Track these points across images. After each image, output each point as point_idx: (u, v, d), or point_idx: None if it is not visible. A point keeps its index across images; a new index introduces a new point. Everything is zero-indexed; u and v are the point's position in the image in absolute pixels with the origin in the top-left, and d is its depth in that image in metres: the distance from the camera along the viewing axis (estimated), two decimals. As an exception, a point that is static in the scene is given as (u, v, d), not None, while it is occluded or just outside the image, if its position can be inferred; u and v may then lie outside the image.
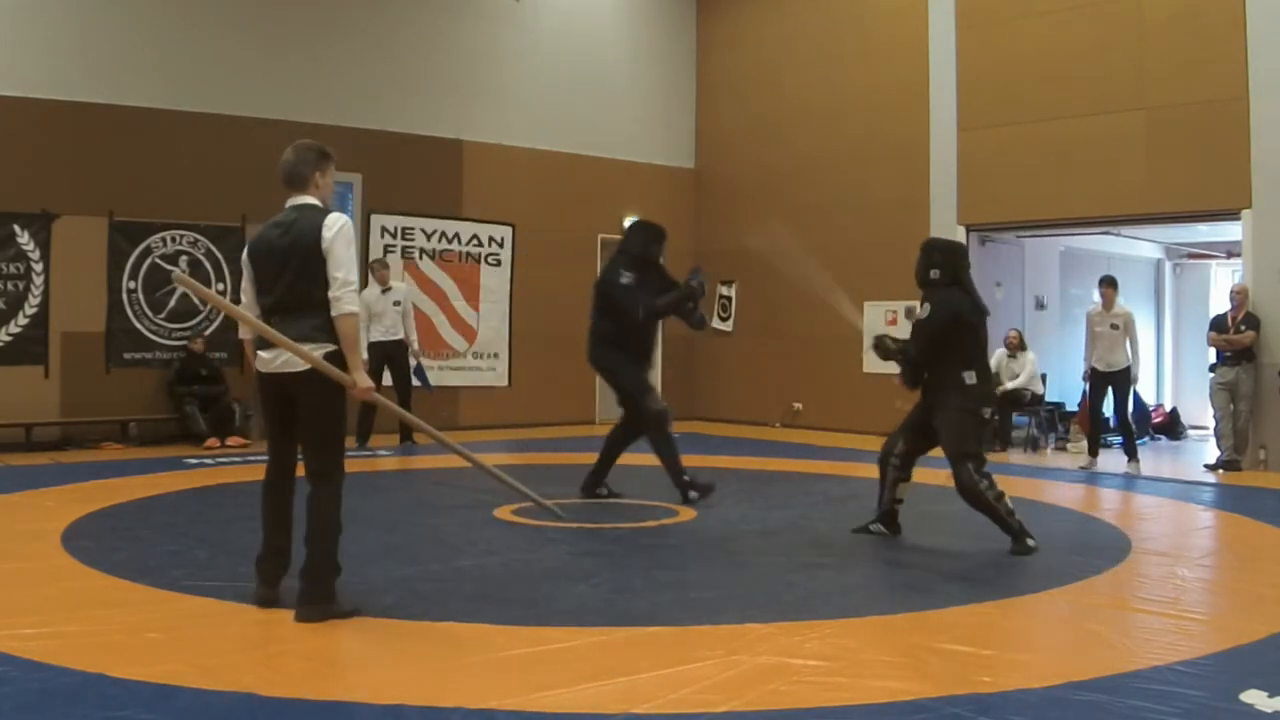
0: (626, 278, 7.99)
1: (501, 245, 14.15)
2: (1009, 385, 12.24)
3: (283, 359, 4.61)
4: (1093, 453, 10.81)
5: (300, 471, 4.88)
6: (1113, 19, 11.79)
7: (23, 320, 11.05)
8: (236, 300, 5.00)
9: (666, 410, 8.00)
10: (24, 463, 9.81)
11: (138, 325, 11.65)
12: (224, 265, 12.14)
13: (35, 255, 11.08)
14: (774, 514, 7.69)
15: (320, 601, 4.63)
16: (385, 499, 8.29)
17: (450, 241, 13.77)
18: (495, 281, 14.20)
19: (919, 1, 13.40)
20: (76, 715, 3.46)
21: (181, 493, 8.23)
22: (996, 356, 12.61)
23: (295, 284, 4.60)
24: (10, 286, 10.97)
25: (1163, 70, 11.35)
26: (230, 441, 11.34)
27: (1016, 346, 12.45)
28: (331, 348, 4.60)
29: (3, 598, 4.95)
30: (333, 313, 4.57)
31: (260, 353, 4.72)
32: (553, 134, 14.58)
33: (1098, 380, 10.72)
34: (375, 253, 13.18)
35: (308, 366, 4.56)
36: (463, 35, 13.89)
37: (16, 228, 10.98)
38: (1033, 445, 12.40)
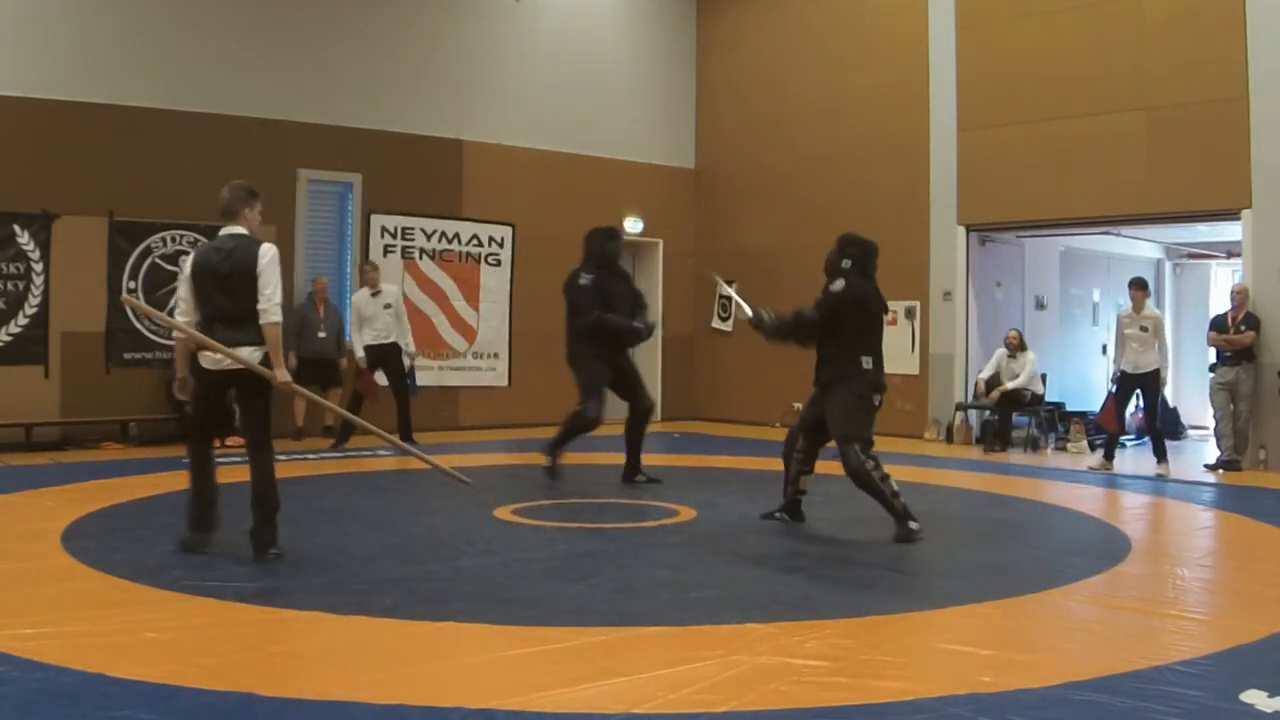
0: (585, 279, 8.69)
1: (501, 245, 14.15)
2: (1009, 385, 12.24)
3: (227, 360, 5.71)
4: (1109, 456, 10.61)
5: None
6: (1113, 19, 11.78)
7: (23, 320, 11.05)
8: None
9: (596, 419, 8.67)
10: (24, 463, 9.81)
11: (138, 325, 11.65)
12: (224, 265, 12.13)
13: (35, 255, 11.08)
14: (774, 514, 7.68)
15: (269, 545, 5.83)
16: (385, 499, 8.29)
17: (450, 241, 13.78)
18: (495, 281, 14.21)
19: (919, 1, 13.40)
20: (76, 715, 3.46)
21: (181, 493, 8.18)
22: (996, 356, 12.61)
23: (236, 300, 5.69)
24: (10, 286, 10.97)
25: (1163, 70, 11.35)
26: (230, 441, 11.30)
27: (1016, 346, 12.44)
28: (264, 349, 5.72)
29: (3, 598, 4.95)
30: (260, 321, 5.68)
31: (205, 353, 5.78)
32: (553, 134, 14.59)
33: (1126, 383, 10.55)
34: (375, 253, 13.19)
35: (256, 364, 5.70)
36: (463, 35, 13.89)
37: (16, 228, 10.98)
38: (1033, 445, 12.40)
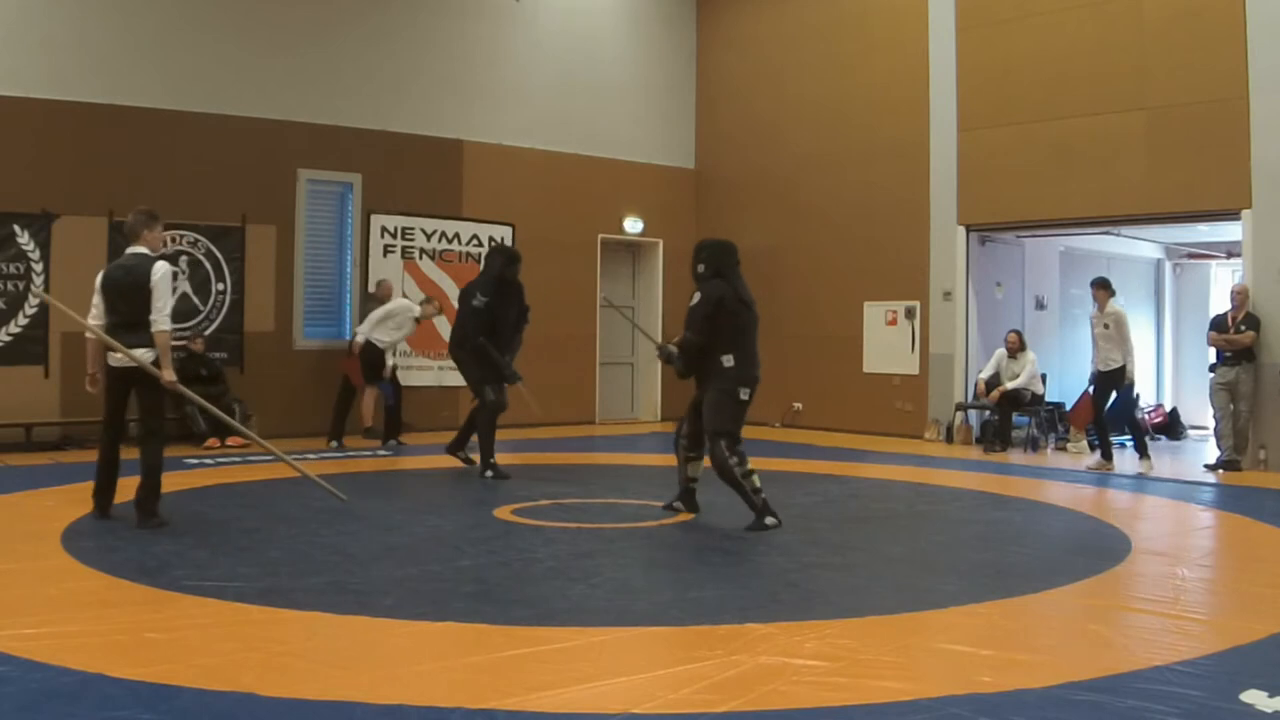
0: (480, 300, 9.25)
1: (501, 243, 14.13)
2: (1009, 385, 12.24)
3: (125, 360, 6.66)
4: (1106, 456, 10.59)
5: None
6: (1113, 19, 11.79)
7: (23, 320, 11.05)
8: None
9: (499, 404, 9.28)
10: (24, 463, 9.81)
11: (138, 325, 11.65)
12: (224, 265, 12.14)
13: (35, 255, 11.09)
14: (774, 514, 7.68)
15: (151, 516, 6.70)
16: (385, 499, 8.29)
17: (450, 241, 13.77)
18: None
19: (919, 1, 13.40)
20: (76, 715, 3.46)
21: (181, 493, 8.23)
22: (996, 356, 12.61)
23: (133, 309, 6.62)
24: (10, 286, 10.97)
25: (1163, 70, 11.36)
26: (230, 442, 11.35)
27: (1016, 347, 12.44)
28: (155, 353, 6.65)
29: (3, 598, 4.95)
30: (152, 329, 6.61)
31: (110, 353, 6.73)
32: (553, 134, 14.59)
33: (1099, 381, 10.69)
34: (375, 253, 13.19)
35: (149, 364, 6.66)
36: (463, 35, 13.89)
37: (16, 228, 10.99)
38: (1033, 445, 12.40)
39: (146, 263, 6.71)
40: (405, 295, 13.29)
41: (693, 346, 7.08)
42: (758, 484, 6.96)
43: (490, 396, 9.24)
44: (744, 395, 7.01)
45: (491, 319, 9.21)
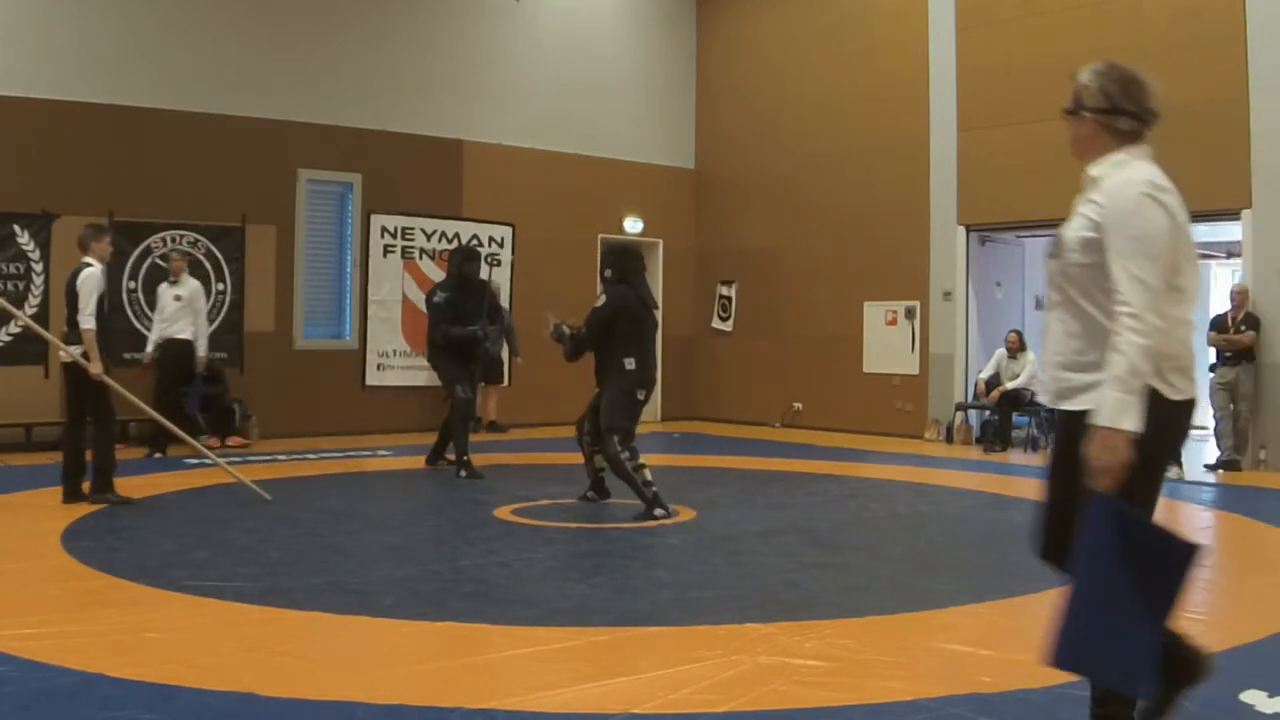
0: (439, 296, 9.53)
1: (501, 245, 14.13)
2: (1009, 385, 12.24)
3: (68, 356, 7.46)
4: None
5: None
6: (1113, 19, 11.78)
7: (23, 321, 11.02)
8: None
9: (468, 400, 9.46)
10: (24, 463, 9.81)
11: (138, 325, 11.63)
12: (224, 265, 12.14)
13: (35, 255, 11.08)
14: (774, 514, 7.69)
15: (105, 492, 7.44)
16: (385, 499, 8.29)
17: (450, 241, 13.75)
18: (495, 281, 14.19)
19: (919, 1, 13.39)
20: (76, 715, 3.46)
21: (181, 493, 8.23)
22: (996, 356, 12.61)
23: (72, 310, 7.43)
24: (10, 286, 10.96)
25: (1163, 70, 11.21)
26: (230, 441, 11.34)
27: (1016, 347, 12.44)
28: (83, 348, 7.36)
29: (3, 598, 4.95)
30: (80, 327, 7.34)
31: (59, 350, 7.66)
32: (553, 134, 14.58)
33: None
34: (375, 253, 13.20)
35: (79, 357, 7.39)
36: (463, 35, 13.88)
37: (16, 228, 10.98)
38: (1033, 445, 12.39)
39: (80, 269, 7.52)
40: (405, 295, 13.33)
41: (583, 341, 7.57)
42: (649, 477, 7.31)
43: (461, 395, 9.37)
44: (640, 395, 7.45)
45: (453, 313, 9.41)
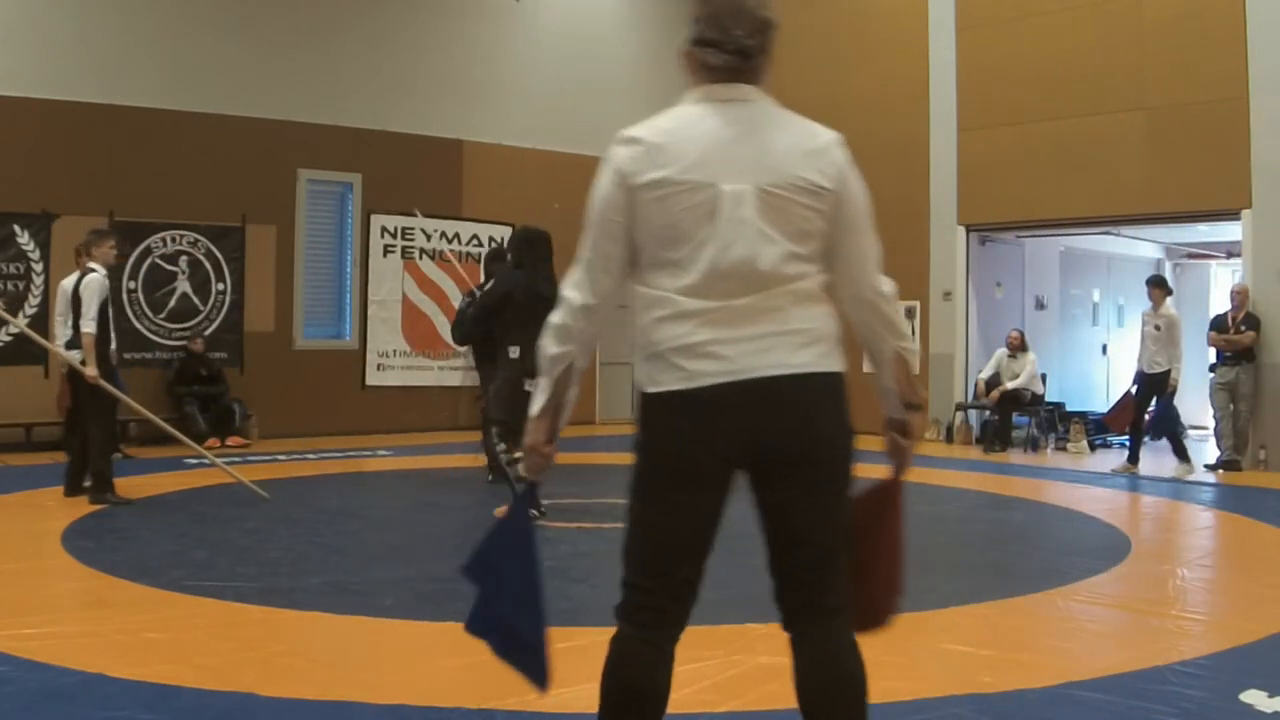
0: (463, 301, 9.63)
1: (502, 245, 14.13)
2: (1009, 385, 12.23)
3: (67, 360, 7.62)
4: (1133, 459, 10.40)
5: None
6: (1113, 19, 11.78)
7: (23, 320, 11.03)
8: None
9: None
10: (24, 463, 9.81)
11: (138, 325, 11.65)
12: (224, 265, 12.14)
13: (35, 255, 11.08)
14: (774, 514, 7.67)
15: (103, 491, 7.45)
16: (385, 499, 8.29)
17: (450, 241, 13.76)
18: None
19: (919, 1, 13.39)
20: (76, 715, 3.46)
21: (181, 492, 8.23)
22: (997, 356, 12.61)
23: (76, 315, 7.48)
24: (10, 286, 10.96)
25: (1163, 70, 11.35)
26: (230, 441, 11.34)
27: (1017, 347, 12.44)
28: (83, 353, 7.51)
29: (3, 598, 4.95)
30: (81, 331, 7.45)
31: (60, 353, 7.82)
32: (553, 134, 14.56)
33: (1142, 383, 10.39)
34: (375, 253, 13.19)
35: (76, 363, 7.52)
36: (463, 35, 13.88)
37: (16, 228, 10.98)
38: (1033, 445, 12.39)
39: (83, 275, 7.64)
40: (405, 295, 13.33)
41: (470, 323, 7.68)
42: (522, 473, 7.27)
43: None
44: (528, 386, 7.23)
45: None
